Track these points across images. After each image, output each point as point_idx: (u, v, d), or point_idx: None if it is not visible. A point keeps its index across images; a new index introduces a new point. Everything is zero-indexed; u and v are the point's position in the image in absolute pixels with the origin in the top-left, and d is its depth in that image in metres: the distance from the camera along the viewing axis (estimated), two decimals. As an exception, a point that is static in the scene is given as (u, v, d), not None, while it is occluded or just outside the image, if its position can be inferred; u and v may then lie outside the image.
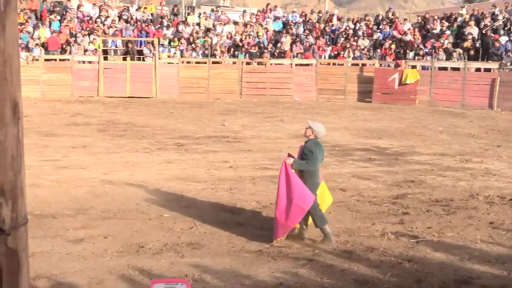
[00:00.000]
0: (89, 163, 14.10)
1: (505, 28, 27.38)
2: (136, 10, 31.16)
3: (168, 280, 3.08)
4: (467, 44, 26.90)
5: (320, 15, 31.69)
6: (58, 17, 29.22)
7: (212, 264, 8.03)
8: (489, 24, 27.44)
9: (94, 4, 31.38)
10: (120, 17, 30.21)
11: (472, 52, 26.73)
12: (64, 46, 27.71)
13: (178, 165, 14.02)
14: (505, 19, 27.79)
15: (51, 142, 16.57)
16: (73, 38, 28.12)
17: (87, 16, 30.14)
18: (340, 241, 9.01)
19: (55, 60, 27.65)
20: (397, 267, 8.00)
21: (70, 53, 27.50)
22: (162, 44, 28.37)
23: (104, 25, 29.31)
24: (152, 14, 30.69)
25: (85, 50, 27.95)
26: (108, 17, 30.01)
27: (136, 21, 29.71)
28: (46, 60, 27.36)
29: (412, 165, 14.53)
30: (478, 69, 26.46)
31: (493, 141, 17.95)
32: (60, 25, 28.63)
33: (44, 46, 27.51)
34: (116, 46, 28.99)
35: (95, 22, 29.46)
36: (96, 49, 27.87)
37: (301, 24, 30.32)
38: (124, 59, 27.99)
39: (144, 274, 7.64)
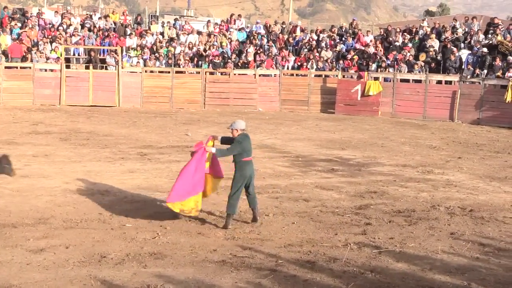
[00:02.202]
0: (50, 172, 13.93)
1: (465, 42, 27.82)
2: (99, 18, 30.94)
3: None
4: (422, 57, 27.23)
5: (284, 26, 31.83)
6: (19, 24, 28.87)
7: (175, 274, 7.99)
8: (449, 37, 27.84)
9: (56, 11, 31.08)
10: (82, 25, 29.96)
11: (433, 65, 27.08)
12: (25, 53, 27.37)
13: (141, 175, 13.94)
14: (465, 32, 28.23)
15: (12, 151, 16.27)
16: (35, 46, 27.78)
17: (49, 23, 29.85)
18: (303, 251, 9.04)
19: (16, 67, 27.28)
20: (359, 277, 8.05)
21: (31, 60, 27.18)
22: (128, 54, 28.20)
23: (66, 33, 29.04)
24: (115, 23, 30.50)
25: (47, 58, 27.64)
26: (70, 25, 29.75)
27: (99, 29, 29.49)
28: (6, 67, 26.99)
29: (375, 176, 14.64)
30: (439, 82, 26.81)
31: (454, 153, 18.19)
32: (21, 33, 28.27)
33: (5, 53, 27.14)
34: (78, 55, 28.74)
35: (57, 30, 29.18)
36: (58, 57, 27.59)
37: (264, 35, 30.42)
38: (87, 67, 27.76)
39: (106, 285, 7.56)
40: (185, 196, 9.92)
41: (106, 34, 29.16)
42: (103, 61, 28.14)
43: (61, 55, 27.61)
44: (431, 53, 27.30)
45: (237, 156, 10.02)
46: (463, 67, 26.43)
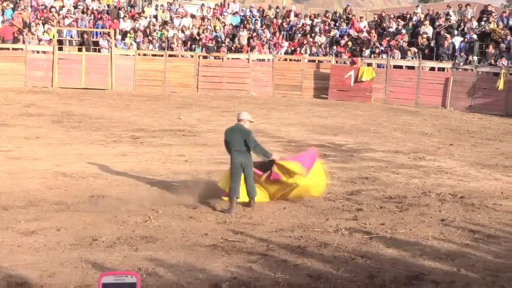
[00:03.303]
0: (42, 154, 13.91)
1: (459, 29, 27.82)
2: (92, 0, 30.74)
3: (118, 272, 3.04)
4: (421, 40, 27.25)
5: (278, 10, 31.73)
6: (11, 5, 28.68)
7: (166, 257, 8.00)
8: (443, 24, 27.83)
9: (49, -7, 30.88)
10: (75, 7, 29.79)
11: (426, 51, 27.09)
12: (16, 35, 27.20)
13: (133, 158, 13.93)
14: (458, 19, 28.23)
15: (3, 133, 16.29)
16: (27, 28, 27.62)
17: (42, 5, 29.65)
18: (294, 236, 9.06)
19: (8, 49, 27.12)
20: (350, 263, 8.08)
21: (23, 42, 27.02)
22: (124, 42, 28.06)
23: (59, 15, 28.87)
24: (108, 5, 30.33)
25: (39, 40, 27.49)
26: (63, 6, 29.57)
27: (92, 11, 29.33)
28: (-1, 49, 26.86)
29: (367, 162, 14.68)
30: (432, 68, 26.82)
31: (445, 140, 18.24)
32: (13, 14, 28.10)
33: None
34: (71, 37, 28.59)
35: (50, 11, 29.00)
36: (50, 39, 27.44)
37: (258, 19, 30.32)
38: (80, 50, 27.64)
39: (97, 267, 7.56)
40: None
41: (99, 16, 29.01)
42: (96, 43, 28.01)
43: (53, 37, 27.46)
44: (424, 39, 27.29)
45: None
46: (456, 54, 26.44)
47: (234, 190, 10.32)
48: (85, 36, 27.89)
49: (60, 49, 27.62)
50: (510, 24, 27.18)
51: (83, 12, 29.17)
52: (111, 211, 9.88)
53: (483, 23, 27.50)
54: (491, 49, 25.71)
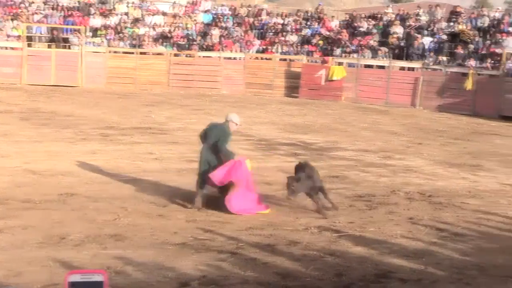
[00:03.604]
0: (10, 151, 13.76)
1: (429, 29, 28.07)
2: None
3: (85, 271, 3.02)
4: (392, 40, 27.47)
5: (250, 9, 31.75)
6: (-20, 1, 28.37)
7: (135, 256, 7.97)
8: (413, 24, 28.07)
9: (18, -12, 30.56)
10: (45, 3, 29.50)
11: (397, 51, 27.30)
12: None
13: (102, 156, 13.85)
14: (428, 20, 28.50)
15: (-30, 130, 16.10)
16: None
17: (11, 1, 29.30)
18: (263, 234, 9.08)
19: (-24, 45, 26.82)
20: (319, 261, 8.12)
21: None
22: (93, 42, 27.85)
23: (28, 10, 28.58)
24: (79, 2, 30.08)
25: (8, 36, 27.18)
26: (33, 2, 29.27)
27: (62, 8, 29.07)
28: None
29: (336, 160, 14.75)
30: (402, 68, 27.04)
31: (414, 139, 18.40)
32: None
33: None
34: (41, 33, 28.32)
35: (19, 7, 28.69)
36: (19, 35, 27.15)
37: (230, 17, 30.31)
38: (49, 46, 27.38)
39: (65, 266, 7.50)
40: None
41: (70, 13, 28.77)
42: (66, 40, 27.77)
43: (23, 33, 27.18)
44: (395, 39, 27.50)
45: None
46: (425, 54, 26.69)
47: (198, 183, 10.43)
48: (55, 32, 27.64)
49: (30, 45, 27.35)
50: (479, 25, 27.51)
51: (53, 8, 28.92)
52: (79, 209, 9.81)
53: (452, 24, 27.79)
54: (460, 50, 25.98)
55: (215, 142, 10.28)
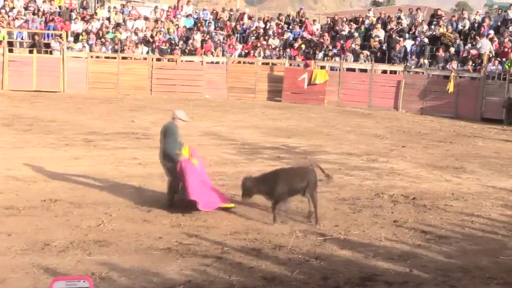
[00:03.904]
0: (-9, 158, 13.65)
1: (410, 32, 28.24)
2: (43, 2, 30.31)
3: (70, 277, 3.00)
4: (373, 43, 27.58)
5: (231, 13, 31.76)
6: (-40, 6, 28.13)
7: (120, 262, 7.94)
8: (394, 27, 28.22)
9: (-2, -6, 30.37)
10: (26, 8, 29.33)
11: (379, 55, 27.42)
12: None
13: (85, 161, 13.78)
14: (410, 23, 28.67)
15: (-49, 136, 15.96)
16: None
17: (-9, 6, 29.12)
18: (248, 239, 9.08)
19: (-43, 51, 26.58)
20: (304, 265, 8.13)
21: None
22: (71, 47, 27.71)
23: (9, 16, 28.40)
24: (60, 7, 29.94)
25: (-11, 42, 27.01)
26: (13, 8, 29.09)
27: (43, 13, 28.92)
28: None
29: (321, 164, 14.73)
30: (384, 71, 27.17)
31: (398, 142, 18.48)
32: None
33: None
34: (22, 38, 28.15)
35: (0, 12, 28.50)
36: (0, 41, 26.98)
37: (212, 21, 30.30)
38: (31, 51, 27.22)
39: (49, 273, 7.47)
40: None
41: (51, 18, 28.62)
42: (47, 45, 27.63)
43: (3, 39, 27.00)
44: (376, 42, 27.63)
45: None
46: (407, 57, 26.84)
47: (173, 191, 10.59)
48: (36, 38, 27.48)
49: (11, 51, 27.17)
50: (459, 28, 27.72)
51: (34, 14, 28.74)
52: (63, 215, 9.75)
53: (433, 27, 27.98)
54: (441, 53, 26.15)
55: (162, 141, 10.54)
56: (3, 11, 28.57)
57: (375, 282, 7.68)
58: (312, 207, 10.16)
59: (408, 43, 27.41)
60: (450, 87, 25.12)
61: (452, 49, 26.32)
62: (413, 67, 26.42)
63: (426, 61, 26.34)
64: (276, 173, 10.31)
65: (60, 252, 8.21)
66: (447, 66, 25.75)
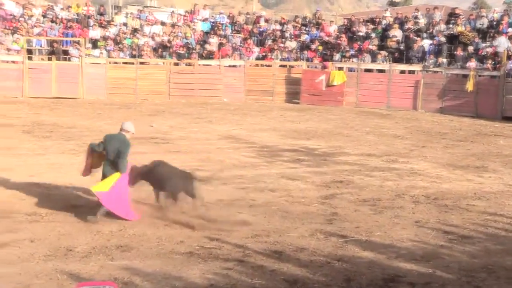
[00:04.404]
0: (13, 165, 13.74)
1: (428, 32, 28.08)
2: (61, 9, 30.52)
3: (95, 282, 3.02)
4: (391, 44, 27.46)
5: (248, 16, 31.77)
6: (-20, 16, 28.39)
7: (142, 266, 7.96)
8: (412, 27, 28.09)
9: (17, 2, 30.59)
10: (44, 16, 29.54)
11: (396, 55, 27.30)
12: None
13: (106, 167, 13.80)
14: (427, 23, 28.52)
15: (-27, 144, 16.09)
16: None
17: (10, 15, 29.35)
18: (270, 241, 9.07)
19: (-23, 59, 26.83)
20: (326, 267, 8.11)
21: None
22: (88, 54, 27.87)
23: (28, 24, 28.62)
24: (78, 14, 30.12)
25: (8, 50, 27.22)
26: (32, 16, 29.31)
27: (61, 20, 29.11)
28: (-33, 59, 26.55)
29: (340, 165, 14.73)
30: (402, 71, 27.03)
31: (417, 142, 18.38)
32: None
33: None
34: (41, 46, 28.35)
35: (19, 21, 28.74)
36: (20, 49, 27.19)
37: (228, 25, 30.34)
38: (49, 59, 27.40)
39: (73, 278, 7.51)
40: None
41: (69, 25, 28.81)
42: (66, 52, 27.80)
43: (23, 47, 27.22)
44: (394, 43, 27.51)
45: None
46: (425, 57, 26.69)
47: None
48: (55, 45, 27.67)
49: (30, 58, 27.38)
50: (478, 26, 27.52)
51: (52, 21, 28.95)
52: (85, 220, 9.79)
53: (451, 25, 27.81)
54: (459, 52, 25.98)
55: (115, 154, 10.04)
56: (22, 19, 28.81)
57: (398, 283, 7.64)
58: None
59: (426, 43, 27.26)
60: (470, 86, 24.93)
61: (471, 48, 26.13)
62: (431, 66, 26.26)
63: (444, 60, 26.17)
64: (161, 164, 10.66)
65: (83, 257, 8.25)
66: (466, 65, 25.56)
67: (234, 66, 28.40)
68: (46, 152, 15.34)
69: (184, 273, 7.76)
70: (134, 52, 28.08)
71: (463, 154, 16.63)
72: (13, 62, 27.14)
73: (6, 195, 11.26)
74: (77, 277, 7.52)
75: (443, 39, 26.86)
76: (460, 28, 27.22)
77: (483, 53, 25.89)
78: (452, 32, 27.36)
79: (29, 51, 27.61)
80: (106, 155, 10.04)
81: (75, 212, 10.29)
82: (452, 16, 28.53)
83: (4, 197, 11.08)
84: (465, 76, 25.36)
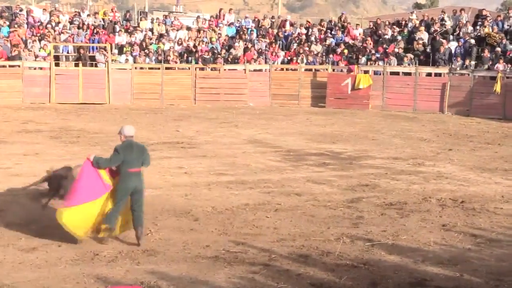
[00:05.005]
0: (41, 170, 13.77)
1: (454, 34, 27.88)
2: (88, 15, 30.81)
3: (123, 287, 3.04)
4: (417, 46, 27.31)
5: (273, 20, 31.81)
6: (8, 23, 28.72)
7: (168, 270, 7.99)
8: (438, 29, 27.90)
9: (44, 9, 30.93)
10: (71, 22, 29.84)
11: (422, 57, 27.13)
12: (11, 52, 27.17)
13: (132, 172, 13.87)
14: (454, 25, 28.32)
15: (2, 150, 16.28)
16: (23, 44, 27.67)
17: (38, 21, 29.70)
18: (296, 245, 9.06)
19: (5, 66, 27.13)
20: (352, 271, 8.07)
21: (19, 58, 27.03)
22: (114, 59, 28.08)
23: (55, 30, 28.92)
24: (104, 20, 30.37)
25: (36, 56, 27.54)
26: (59, 22, 29.62)
27: (88, 26, 29.38)
28: (-5, 66, 26.88)
29: (366, 169, 14.67)
30: (429, 74, 26.87)
31: (444, 145, 18.25)
32: (10, 31, 28.15)
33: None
34: (67, 52, 28.63)
35: (46, 27, 29.05)
36: (47, 55, 27.49)
37: (254, 29, 30.39)
38: (76, 65, 27.65)
39: (99, 282, 7.56)
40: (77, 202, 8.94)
41: (95, 31, 29.06)
42: (92, 58, 28.04)
43: (50, 53, 27.50)
44: (420, 45, 27.34)
45: (120, 166, 9.01)
46: (452, 59, 26.49)
47: (110, 220, 8.98)
48: (82, 51, 27.92)
49: (57, 64, 27.64)
50: (505, 27, 27.26)
51: (79, 27, 29.21)
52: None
53: (478, 27, 27.58)
54: (486, 54, 25.75)
55: (139, 164, 9.17)
56: (49, 26, 29.12)
57: (425, 287, 7.58)
58: None
59: (453, 45, 27.07)
60: (497, 88, 24.70)
61: (498, 49, 25.88)
62: (458, 68, 26.06)
63: (471, 62, 25.93)
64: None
65: (110, 261, 8.30)
66: (494, 66, 25.33)
67: (259, 70, 28.42)
68: (74, 158, 15.43)
69: (210, 277, 7.77)
70: (159, 57, 28.23)
71: (491, 157, 16.47)
72: (41, 68, 27.44)
73: (34, 200, 11.35)
74: (104, 281, 7.57)
75: (470, 41, 26.62)
76: (487, 30, 26.99)
77: (511, 55, 25.64)
78: (479, 33, 27.14)
79: (56, 58, 27.88)
80: (130, 166, 8.98)
81: (101, 217, 10.35)
82: (479, 18, 28.32)
83: (31, 202, 11.18)
84: (493, 78, 25.13)
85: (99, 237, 9.06)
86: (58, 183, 10.29)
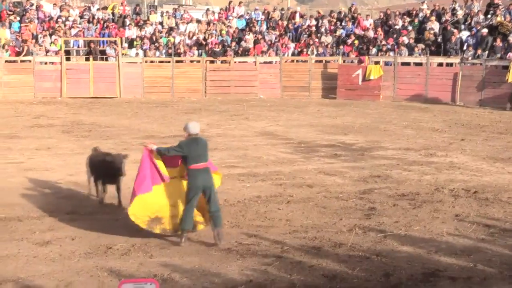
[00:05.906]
0: (54, 164, 13.95)
1: (466, 23, 27.71)
2: (98, 10, 30.84)
3: (137, 280, 3.05)
4: (428, 36, 27.14)
5: (283, 12, 31.74)
6: (18, 18, 28.80)
7: (181, 263, 8.02)
8: (449, 19, 27.75)
9: (54, 4, 30.99)
10: (81, 17, 29.90)
11: (433, 47, 26.99)
12: (21, 47, 27.24)
13: (144, 165, 13.90)
14: (465, 14, 28.15)
15: (15, 145, 16.35)
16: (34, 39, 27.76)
17: (48, 16, 29.76)
18: (308, 237, 9.06)
19: (16, 61, 27.22)
20: (365, 262, 8.07)
21: (30, 54, 27.10)
22: (124, 53, 28.12)
23: (65, 25, 28.97)
24: (113, 14, 30.40)
25: (47, 51, 27.61)
26: (69, 17, 29.66)
27: (98, 21, 29.42)
28: (7, 61, 26.95)
29: (378, 160, 14.64)
30: (440, 64, 26.73)
31: (456, 135, 18.17)
32: (20, 26, 28.25)
33: (5, 47, 27.05)
34: (78, 47, 28.69)
35: (56, 22, 29.11)
36: (58, 50, 27.56)
37: (264, 21, 30.33)
38: (87, 59, 27.71)
39: (113, 275, 7.59)
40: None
41: (105, 25, 29.10)
42: (103, 52, 28.09)
43: (60, 48, 27.57)
44: (431, 35, 27.19)
45: (186, 162, 8.91)
46: (464, 49, 26.34)
47: (185, 222, 8.82)
48: (92, 45, 27.99)
49: (68, 59, 27.72)
50: (518, 16, 27.05)
51: (89, 22, 29.27)
52: (124, 218, 9.88)
53: (490, 16, 27.39)
54: (499, 43, 25.57)
55: (206, 158, 8.96)
56: (60, 20, 29.17)
57: (439, 277, 7.56)
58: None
59: (464, 34, 26.91)
60: (510, 77, 24.54)
61: (511, 38, 25.69)
62: (470, 58, 25.91)
63: (483, 52, 25.76)
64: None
65: (123, 254, 8.34)
66: (506, 56, 25.16)
67: (269, 62, 28.40)
68: (85, 152, 15.41)
69: (223, 270, 7.79)
70: (170, 51, 28.24)
71: (504, 147, 16.38)
72: (52, 63, 27.51)
73: (47, 194, 11.43)
74: (118, 274, 7.60)
75: (484, 30, 26.42)
76: (499, 19, 26.79)
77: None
78: (491, 22, 26.95)
79: (67, 52, 27.96)
80: (196, 161, 8.76)
81: (114, 211, 10.39)
82: (491, 7, 28.09)
83: (45, 196, 11.25)
84: (505, 68, 24.97)
85: (178, 234, 8.94)
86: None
